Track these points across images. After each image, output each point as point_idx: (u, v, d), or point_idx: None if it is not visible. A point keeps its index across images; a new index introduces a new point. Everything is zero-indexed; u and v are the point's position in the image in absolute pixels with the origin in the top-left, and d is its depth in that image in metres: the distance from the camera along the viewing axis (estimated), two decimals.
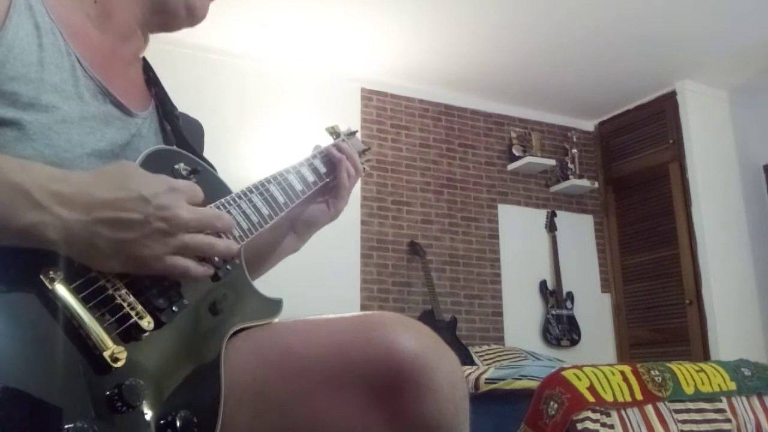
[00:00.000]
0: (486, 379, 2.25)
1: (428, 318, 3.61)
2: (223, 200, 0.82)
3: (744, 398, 2.15)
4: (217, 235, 0.73)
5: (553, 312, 4.20)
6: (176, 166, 0.79)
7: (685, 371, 2.11)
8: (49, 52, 0.75)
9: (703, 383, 2.09)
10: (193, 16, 0.92)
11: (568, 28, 3.55)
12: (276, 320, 0.83)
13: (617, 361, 4.27)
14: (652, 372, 2.03)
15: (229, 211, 0.82)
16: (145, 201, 0.64)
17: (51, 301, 0.61)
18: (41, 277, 0.60)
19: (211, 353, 0.73)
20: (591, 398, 1.83)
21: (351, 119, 3.90)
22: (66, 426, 0.56)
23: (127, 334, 0.65)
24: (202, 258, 0.71)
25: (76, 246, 0.62)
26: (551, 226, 4.39)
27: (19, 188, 0.59)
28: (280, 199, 0.92)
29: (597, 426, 1.81)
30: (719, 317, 3.85)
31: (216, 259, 0.74)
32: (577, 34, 3.61)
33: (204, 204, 0.75)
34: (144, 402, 0.63)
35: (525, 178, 4.47)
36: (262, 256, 1.04)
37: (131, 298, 0.66)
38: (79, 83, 0.77)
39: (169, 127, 0.93)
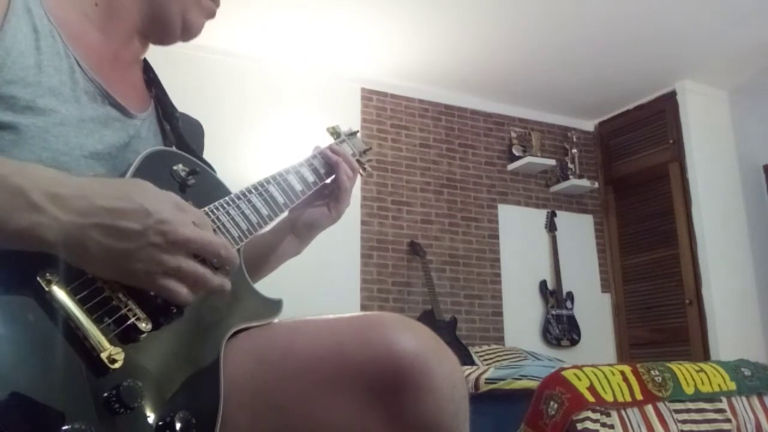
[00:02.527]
0: (486, 379, 2.25)
1: (428, 318, 3.61)
2: (222, 201, 0.82)
3: (744, 398, 2.15)
4: (215, 264, 0.70)
5: (553, 312, 4.20)
6: (175, 168, 0.79)
7: (685, 371, 2.11)
8: (47, 55, 0.75)
9: (703, 383, 2.09)
10: (187, 33, 0.92)
11: (568, 28, 3.55)
12: (276, 320, 0.83)
13: (617, 361, 4.27)
14: (652, 372, 2.03)
15: (228, 212, 0.81)
16: (147, 213, 0.63)
17: (48, 302, 0.60)
18: (38, 278, 0.60)
19: (211, 354, 0.73)
20: (591, 398, 1.83)
21: (351, 119, 3.90)
22: (64, 428, 0.56)
23: (125, 335, 0.64)
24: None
25: (71, 249, 0.61)
26: (551, 226, 4.39)
27: (16, 190, 0.59)
28: (280, 199, 0.92)
29: (597, 426, 1.80)
30: (719, 317, 3.85)
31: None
32: (577, 34, 3.61)
33: (203, 205, 0.75)
34: (142, 403, 0.62)
35: (525, 178, 4.47)
36: (261, 258, 1.04)
37: (128, 300, 0.65)
38: (77, 85, 0.77)
39: (168, 127, 0.93)
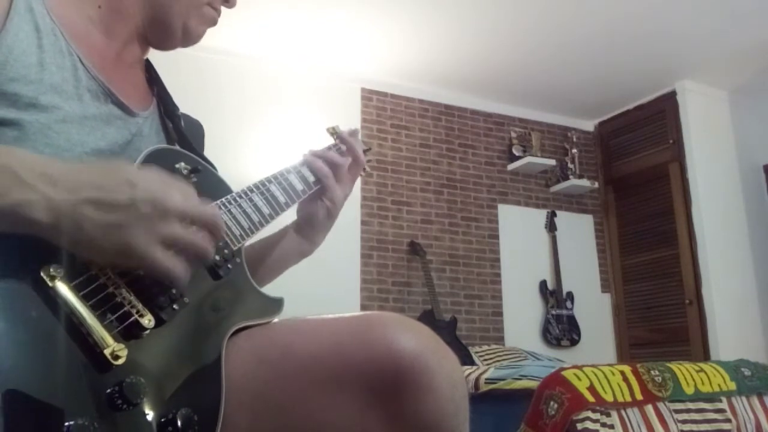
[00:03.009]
0: (486, 379, 2.25)
1: (428, 318, 3.61)
2: (223, 199, 0.82)
3: (744, 398, 2.15)
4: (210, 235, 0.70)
5: (553, 312, 4.20)
6: (177, 165, 0.79)
7: (685, 371, 2.11)
8: (49, 53, 0.75)
9: (703, 383, 2.09)
10: (188, 39, 0.93)
11: (568, 28, 3.55)
12: (276, 319, 0.83)
13: (617, 361, 4.27)
14: (652, 372, 2.03)
15: (229, 210, 0.82)
16: (131, 184, 0.62)
17: (51, 298, 0.60)
18: (41, 274, 0.60)
19: (212, 352, 0.73)
20: (591, 398, 1.83)
21: (351, 119, 3.90)
22: (67, 423, 0.56)
23: (128, 332, 0.65)
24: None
25: (63, 228, 0.60)
26: (551, 226, 4.39)
27: (5, 168, 0.59)
28: (281, 198, 0.92)
29: (597, 426, 1.81)
30: (719, 317, 3.85)
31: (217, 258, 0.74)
32: (577, 34, 3.62)
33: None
34: (145, 400, 0.63)
35: (525, 178, 4.47)
36: (263, 253, 1.03)
37: (132, 296, 0.65)
38: (80, 83, 0.78)
39: (170, 125, 0.93)
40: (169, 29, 0.90)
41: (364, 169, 1.18)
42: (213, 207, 0.72)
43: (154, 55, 0.98)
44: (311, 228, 1.03)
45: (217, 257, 0.76)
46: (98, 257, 0.64)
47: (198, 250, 0.67)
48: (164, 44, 0.94)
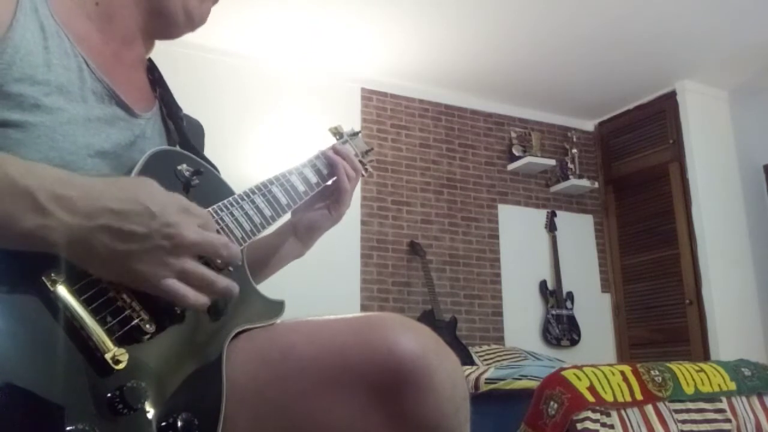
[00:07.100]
0: (486, 379, 2.26)
1: (428, 318, 3.61)
2: (225, 201, 0.82)
3: (744, 398, 2.16)
4: (219, 264, 0.70)
5: (553, 312, 4.20)
6: (179, 167, 0.79)
7: (685, 371, 2.11)
8: (55, 55, 0.75)
9: (703, 383, 2.10)
10: (191, 21, 0.91)
11: (569, 28, 3.55)
12: (277, 321, 0.83)
13: (617, 361, 4.27)
14: (652, 372, 2.04)
15: (231, 213, 0.82)
16: (152, 216, 0.62)
17: (53, 303, 0.60)
18: (43, 278, 0.60)
19: (213, 355, 0.73)
20: (591, 398, 1.83)
21: (351, 119, 3.90)
22: (68, 428, 0.56)
23: (129, 336, 0.64)
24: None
25: (77, 251, 0.61)
26: (551, 226, 4.39)
27: (23, 191, 0.59)
28: (283, 200, 0.92)
29: (597, 426, 1.81)
30: (719, 317, 3.85)
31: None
32: (577, 34, 3.62)
33: (207, 206, 0.75)
34: (145, 404, 0.63)
35: (525, 178, 4.47)
36: (264, 259, 1.04)
37: (132, 300, 0.65)
38: (85, 85, 0.77)
39: (172, 127, 0.93)
40: (169, 17, 0.88)
41: (366, 169, 1.19)
42: (225, 239, 0.71)
43: (154, 56, 0.98)
44: (310, 236, 1.06)
45: (219, 261, 0.76)
46: (107, 276, 0.64)
47: (207, 284, 0.67)
48: (169, 32, 0.92)
